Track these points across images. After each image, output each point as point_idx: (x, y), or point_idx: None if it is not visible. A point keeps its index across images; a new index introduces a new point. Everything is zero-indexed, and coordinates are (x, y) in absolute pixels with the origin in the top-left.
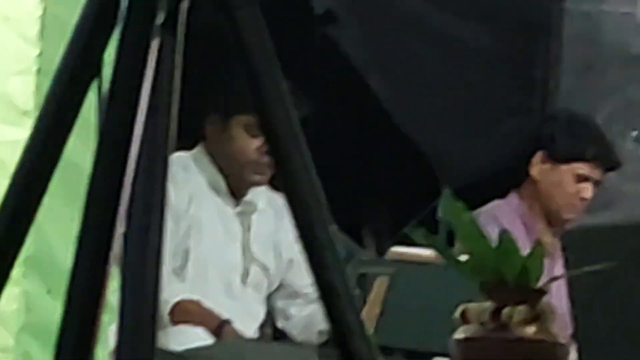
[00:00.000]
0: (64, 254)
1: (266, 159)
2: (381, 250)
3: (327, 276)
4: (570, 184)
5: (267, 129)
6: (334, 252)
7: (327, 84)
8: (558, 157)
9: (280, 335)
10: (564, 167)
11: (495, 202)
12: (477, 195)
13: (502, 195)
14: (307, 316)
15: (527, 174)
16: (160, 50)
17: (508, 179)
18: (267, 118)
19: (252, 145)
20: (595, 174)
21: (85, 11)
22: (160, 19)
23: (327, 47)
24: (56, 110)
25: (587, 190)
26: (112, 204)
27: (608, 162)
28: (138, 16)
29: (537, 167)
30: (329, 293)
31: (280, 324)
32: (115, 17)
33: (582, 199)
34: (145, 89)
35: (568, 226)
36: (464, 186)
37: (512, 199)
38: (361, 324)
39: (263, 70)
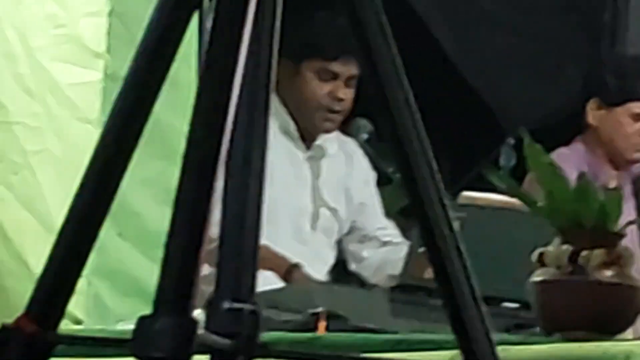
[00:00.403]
0: (135, 197)
1: (337, 105)
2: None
3: (447, 268)
4: (629, 124)
5: (371, 70)
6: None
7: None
8: (611, 101)
9: (351, 279)
10: (619, 110)
11: (560, 150)
12: (542, 142)
13: (567, 143)
14: (380, 259)
15: (586, 122)
16: None
17: (573, 125)
18: (370, 58)
19: (324, 90)
20: None
21: None
22: None
23: None
24: (154, 47)
25: None
26: (212, 152)
27: None
28: None
29: (593, 114)
30: (447, 282)
31: (352, 266)
32: None
33: None
34: (247, 26)
35: (636, 170)
36: (530, 133)
37: (576, 145)
38: (482, 317)
39: (367, 15)
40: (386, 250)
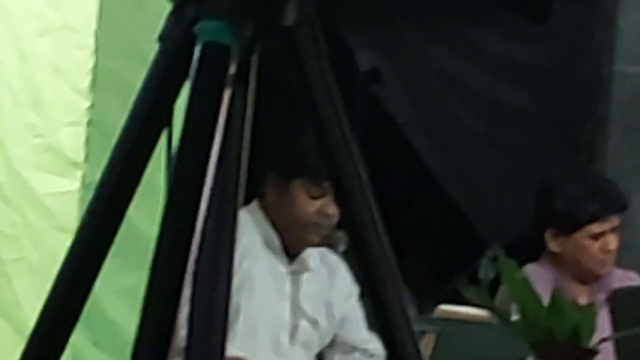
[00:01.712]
0: (112, 306)
1: (326, 221)
2: (421, 309)
3: (397, 338)
4: (591, 245)
5: (336, 184)
6: (404, 313)
7: (370, 141)
8: (566, 229)
9: None
10: (577, 234)
11: (530, 266)
12: (517, 256)
13: (538, 257)
14: None
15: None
16: (231, 101)
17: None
18: (335, 173)
19: (313, 207)
20: (609, 224)
21: (157, 60)
22: (232, 69)
23: (371, 105)
24: (125, 159)
25: (609, 241)
26: (180, 258)
27: (616, 208)
28: (210, 66)
29: (552, 243)
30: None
31: None
32: (187, 66)
33: (609, 252)
34: (216, 140)
35: (608, 282)
36: (505, 247)
37: (545, 263)
38: None
39: (329, 122)
40: None
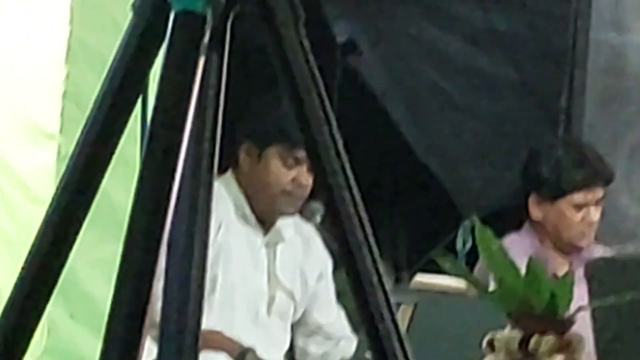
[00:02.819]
0: (88, 278)
1: (300, 190)
2: (399, 280)
3: (373, 308)
4: (573, 214)
5: (312, 151)
6: (380, 282)
7: (347, 112)
8: (549, 195)
9: None
10: (561, 202)
11: (511, 235)
12: (496, 226)
13: (520, 226)
14: (322, 354)
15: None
16: (206, 70)
17: (527, 210)
18: (312, 140)
19: (288, 176)
20: (592, 196)
21: (130, 29)
22: (206, 37)
23: (348, 76)
24: (100, 130)
25: (592, 213)
26: (154, 231)
27: (601, 180)
28: (184, 34)
29: (535, 209)
30: (378, 336)
31: (298, 359)
32: (161, 35)
33: (591, 224)
34: (191, 109)
35: (587, 254)
36: (484, 217)
37: (526, 233)
38: None
39: (305, 88)
40: (331, 344)
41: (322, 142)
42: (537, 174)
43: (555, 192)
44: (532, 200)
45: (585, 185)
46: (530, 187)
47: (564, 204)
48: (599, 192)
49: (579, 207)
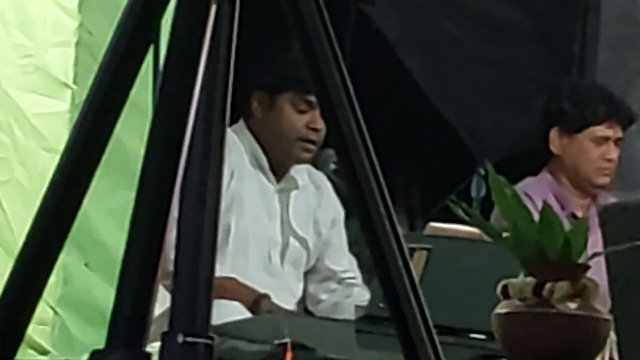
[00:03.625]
0: (102, 227)
1: (314, 135)
2: (413, 226)
3: (387, 254)
4: (592, 149)
5: (323, 97)
6: (393, 228)
7: (361, 60)
8: (571, 128)
9: None
10: (581, 135)
11: (527, 180)
12: (511, 172)
13: (536, 172)
14: (334, 302)
15: (550, 152)
16: (217, 17)
17: (542, 155)
18: (322, 85)
19: (301, 121)
20: (613, 132)
21: None
22: None
23: (362, 24)
24: (112, 78)
25: (611, 150)
26: (167, 180)
27: (622, 117)
28: None
29: (556, 143)
30: (401, 315)
31: (310, 307)
32: None
33: (609, 160)
34: (203, 57)
35: (603, 201)
36: (498, 163)
37: (544, 175)
38: (426, 322)
39: (316, 34)
40: (343, 292)
41: (332, 87)
42: (559, 107)
43: (578, 123)
44: (552, 135)
45: (607, 118)
46: (552, 122)
47: (585, 138)
48: (618, 132)
49: (599, 141)
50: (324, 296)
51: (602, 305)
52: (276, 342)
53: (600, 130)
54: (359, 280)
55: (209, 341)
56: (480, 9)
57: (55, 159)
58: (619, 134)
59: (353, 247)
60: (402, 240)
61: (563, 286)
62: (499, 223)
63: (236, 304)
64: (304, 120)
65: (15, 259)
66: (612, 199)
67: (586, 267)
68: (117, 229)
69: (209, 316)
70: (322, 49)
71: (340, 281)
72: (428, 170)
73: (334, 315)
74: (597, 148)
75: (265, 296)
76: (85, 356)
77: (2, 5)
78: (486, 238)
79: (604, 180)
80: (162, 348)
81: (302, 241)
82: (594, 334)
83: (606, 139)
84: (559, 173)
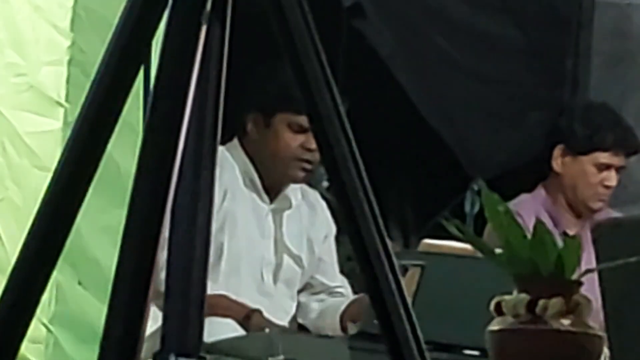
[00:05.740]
0: (95, 245)
1: (309, 155)
2: (407, 243)
3: (377, 272)
4: (593, 173)
5: (313, 117)
6: (384, 247)
7: (353, 76)
8: (577, 149)
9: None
10: (585, 158)
11: (522, 196)
12: (504, 189)
13: (530, 189)
14: (320, 308)
15: (550, 168)
16: (208, 38)
17: (536, 172)
18: (313, 105)
19: (297, 141)
20: (617, 160)
21: None
22: (208, 5)
23: (354, 40)
24: (103, 98)
25: (611, 177)
26: (158, 200)
27: (628, 147)
28: (186, 3)
29: (559, 161)
30: (383, 303)
31: (299, 319)
32: (164, 3)
33: (607, 187)
34: (193, 77)
35: (597, 218)
36: (491, 179)
37: (539, 192)
38: (417, 339)
39: (305, 53)
40: (330, 301)
41: (322, 106)
42: (569, 126)
43: (584, 146)
44: (556, 152)
45: (614, 146)
46: (559, 139)
47: (589, 162)
48: (622, 160)
49: (601, 167)
50: (315, 305)
51: (595, 321)
52: (270, 359)
53: (605, 157)
54: (349, 291)
55: None
56: (473, 24)
57: (48, 177)
58: (622, 162)
59: (346, 263)
60: (394, 258)
61: (556, 303)
62: (492, 240)
63: (229, 321)
64: (300, 140)
65: (8, 277)
66: (614, 214)
67: (579, 284)
68: (110, 247)
69: (200, 336)
70: (312, 68)
71: (332, 293)
72: (421, 186)
73: (321, 322)
74: (599, 174)
75: (257, 311)
76: None
77: None
78: (479, 255)
79: (599, 205)
80: None
81: (297, 259)
82: (588, 350)
83: (609, 166)
84: (556, 191)
